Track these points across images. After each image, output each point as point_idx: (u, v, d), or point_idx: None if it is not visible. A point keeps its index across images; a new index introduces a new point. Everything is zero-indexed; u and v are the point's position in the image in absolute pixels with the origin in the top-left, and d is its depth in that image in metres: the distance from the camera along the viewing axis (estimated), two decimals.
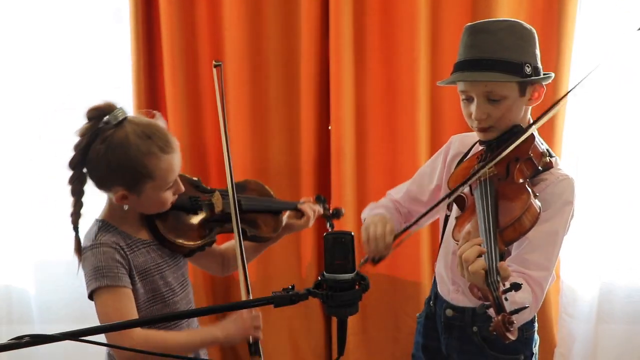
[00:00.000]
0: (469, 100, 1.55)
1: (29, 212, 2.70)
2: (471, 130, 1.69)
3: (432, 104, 2.53)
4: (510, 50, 1.49)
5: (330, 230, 1.91)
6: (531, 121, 1.61)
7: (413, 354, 1.87)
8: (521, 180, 1.45)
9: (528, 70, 1.49)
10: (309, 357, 2.73)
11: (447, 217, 1.73)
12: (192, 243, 1.58)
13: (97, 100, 1.47)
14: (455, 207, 1.64)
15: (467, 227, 1.42)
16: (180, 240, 1.56)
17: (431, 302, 1.78)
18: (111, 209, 1.54)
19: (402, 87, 2.50)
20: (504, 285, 1.21)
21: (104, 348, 1.57)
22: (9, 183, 2.69)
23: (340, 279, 1.05)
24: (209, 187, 1.70)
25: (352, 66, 2.50)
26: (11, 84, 2.63)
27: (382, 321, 2.68)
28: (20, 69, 2.63)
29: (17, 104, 2.65)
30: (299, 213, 1.79)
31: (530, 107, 1.58)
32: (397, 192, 1.88)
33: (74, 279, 2.72)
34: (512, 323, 1.15)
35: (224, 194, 1.66)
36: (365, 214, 1.83)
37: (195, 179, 1.70)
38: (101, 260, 1.44)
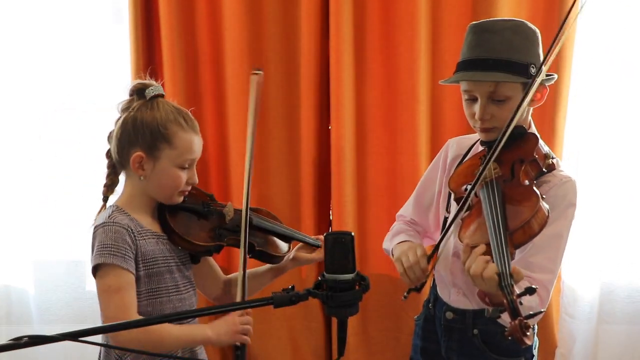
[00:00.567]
0: (472, 100, 1.54)
1: (29, 212, 2.70)
2: (470, 131, 1.68)
3: (432, 104, 2.53)
4: (516, 50, 1.48)
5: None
6: (532, 122, 1.60)
7: (411, 357, 1.85)
8: (527, 182, 1.44)
9: (533, 70, 1.49)
10: (309, 357, 2.73)
11: (445, 219, 1.73)
12: (199, 241, 1.59)
13: (141, 79, 1.58)
14: (454, 207, 1.64)
15: (473, 227, 1.41)
16: (188, 236, 1.57)
17: (430, 305, 1.77)
18: (127, 196, 1.57)
19: (402, 87, 2.50)
20: (518, 289, 1.20)
21: (104, 348, 1.57)
22: (9, 183, 2.69)
23: (341, 279, 1.05)
24: (222, 203, 1.71)
25: (352, 66, 2.49)
26: (11, 84, 2.63)
27: (382, 321, 2.68)
28: (20, 69, 2.62)
29: (17, 104, 2.64)
30: (309, 247, 1.77)
31: (531, 108, 1.58)
32: (405, 210, 1.86)
33: (73, 279, 2.73)
34: (528, 327, 1.14)
35: (236, 209, 1.67)
36: (387, 245, 1.79)
37: (209, 193, 1.72)
38: (111, 239, 1.46)
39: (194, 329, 1.59)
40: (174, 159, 1.52)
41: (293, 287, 1.07)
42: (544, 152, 1.51)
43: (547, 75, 1.53)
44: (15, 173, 2.68)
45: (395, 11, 2.46)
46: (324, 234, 1.09)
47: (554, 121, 2.44)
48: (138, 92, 1.55)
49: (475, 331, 1.63)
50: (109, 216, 1.51)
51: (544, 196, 1.41)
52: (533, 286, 1.20)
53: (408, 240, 1.70)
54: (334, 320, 1.31)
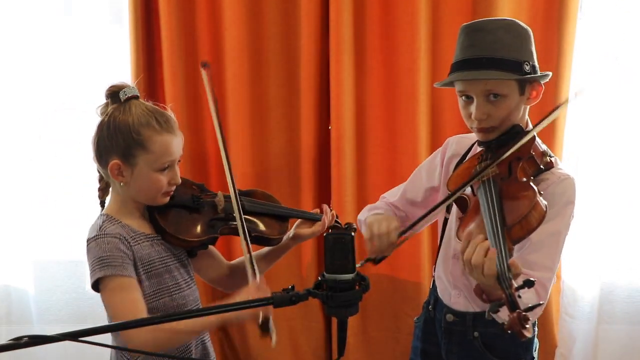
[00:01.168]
0: (468, 100, 1.54)
1: (29, 212, 2.70)
2: (469, 131, 1.68)
3: (432, 104, 2.52)
4: (509, 48, 1.48)
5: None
6: (529, 121, 1.60)
7: (411, 358, 1.85)
8: (524, 179, 1.44)
9: (527, 68, 1.49)
10: (309, 357, 2.73)
11: (446, 220, 1.72)
12: (192, 237, 1.58)
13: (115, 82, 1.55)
14: (454, 209, 1.63)
15: (471, 226, 1.41)
16: (181, 235, 1.57)
17: (430, 307, 1.77)
18: (115, 203, 1.56)
19: (402, 87, 2.50)
20: (516, 282, 1.20)
21: (104, 348, 1.57)
22: (9, 183, 2.69)
23: (341, 279, 1.05)
24: (212, 191, 1.70)
25: (352, 66, 2.49)
26: (11, 84, 2.63)
27: (382, 321, 2.68)
28: (21, 69, 2.62)
29: (17, 104, 2.64)
30: (308, 222, 1.77)
31: (528, 107, 1.58)
32: (392, 196, 1.87)
33: (73, 279, 2.73)
34: (527, 320, 1.14)
35: (227, 197, 1.66)
36: (363, 215, 1.80)
37: (199, 183, 1.71)
38: (105, 250, 1.45)
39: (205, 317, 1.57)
40: (151, 163, 1.49)
41: (293, 287, 1.07)
42: (541, 150, 1.51)
43: (542, 73, 1.53)
44: (15, 173, 2.68)
45: (395, 11, 2.46)
46: (324, 234, 1.09)
47: (554, 122, 2.44)
48: (112, 95, 1.53)
49: (476, 334, 1.63)
50: (99, 228, 1.49)
51: (541, 192, 1.41)
52: (531, 279, 1.20)
53: (385, 213, 1.71)
54: (334, 320, 1.31)
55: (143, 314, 1.44)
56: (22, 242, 2.71)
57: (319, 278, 1.07)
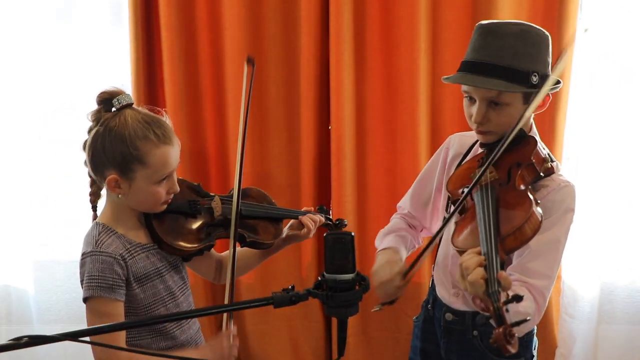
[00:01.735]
0: (471, 101, 1.53)
1: (29, 212, 2.70)
2: (464, 130, 1.67)
3: (432, 104, 2.53)
4: (518, 57, 1.44)
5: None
6: (534, 125, 1.59)
7: (411, 357, 1.85)
8: (522, 187, 1.42)
9: (535, 79, 1.45)
10: (309, 357, 2.73)
11: (445, 220, 1.72)
12: (189, 246, 1.57)
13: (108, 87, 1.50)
14: (452, 208, 1.63)
15: (466, 232, 1.40)
16: (178, 243, 1.55)
17: (429, 306, 1.77)
18: (110, 211, 1.53)
19: (402, 86, 2.50)
20: (505, 296, 1.19)
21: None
22: (9, 183, 2.69)
23: (341, 279, 1.05)
24: (209, 193, 1.69)
25: (352, 66, 2.49)
26: (11, 84, 2.63)
27: (382, 321, 2.68)
28: (21, 69, 2.63)
29: (17, 104, 2.64)
30: (301, 224, 1.76)
31: (533, 115, 1.56)
32: (404, 202, 1.86)
33: (73, 279, 2.72)
34: (513, 335, 1.12)
35: (224, 200, 1.65)
36: (377, 242, 1.79)
37: (195, 184, 1.68)
38: (98, 270, 1.44)
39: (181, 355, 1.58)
40: (149, 177, 1.46)
41: (293, 287, 1.07)
42: (542, 156, 1.49)
43: (551, 87, 1.50)
44: (15, 173, 2.68)
45: (395, 11, 2.46)
46: (324, 234, 1.09)
47: (554, 122, 2.44)
48: (104, 102, 1.47)
49: (475, 332, 1.63)
50: (96, 242, 1.47)
51: (538, 201, 1.39)
52: (520, 294, 1.18)
53: (392, 248, 1.69)
54: (334, 320, 1.31)
55: (119, 341, 1.44)
56: (22, 242, 2.71)
57: (319, 278, 1.07)
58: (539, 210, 1.36)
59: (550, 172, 1.49)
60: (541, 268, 1.45)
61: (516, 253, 1.47)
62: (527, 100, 1.47)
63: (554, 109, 2.43)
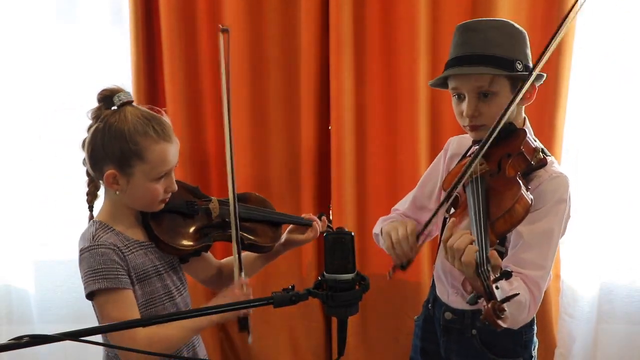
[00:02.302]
0: (460, 98, 1.55)
1: (29, 212, 2.70)
2: (464, 132, 1.68)
3: (432, 104, 2.53)
4: (501, 47, 1.48)
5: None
6: (526, 119, 1.61)
7: (411, 357, 1.86)
8: (512, 174, 1.44)
9: (519, 67, 1.49)
10: (309, 357, 2.73)
11: (445, 220, 1.73)
12: (186, 246, 1.57)
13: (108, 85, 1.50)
14: (451, 209, 1.64)
15: (462, 224, 1.41)
16: (175, 242, 1.55)
17: (429, 305, 1.78)
18: (108, 209, 1.54)
19: (402, 87, 2.50)
20: (494, 274, 1.21)
21: (104, 348, 1.57)
22: (9, 183, 2.69)
23: (341, 279, 1.06)
24: (207, 195, 1.69)
25: (352, 66, 2.50)
26: (11, 84, 2.63)
27: (382, 321, 2.68)
28: (21, 69, 2.63)
29: (17, 104, 2.64)
30: (301, 228, 1.77)
31: (523, 107, 1.58)
32: (402, 205, 1.87)
33: (73, 279, 2.72)
34: (503, 310, 1.15)
35: (222, 202, 1.65)
36: (378, 227, 1.79)
37: (193, 186, 1.69)
38: (100, 262, 1.43)
39: (195, 319, 1.55)
40: (148, 173, 1.46)
41: (293, 287, 1.07)
42: (533, 147, 1.50)
43: (535, 73, 1.53)
44: (15, 173, 2.69)
45: (395, 11, 2.46)
46: (324, 234, 1.09)
47: (554, 120, 2.44)
48: (105, 99, 1.48)
49: (474, 331, 1.63)
50: (93, 237, 1.47)
51: (529, 187, 1.41)
52: (508, 270, 1.21)
53: (399, 218, 1.71)
54: (334, 320, 1.32)
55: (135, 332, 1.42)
56: (23, 242, 2.72)
57: (319, 278, 1.07)
58: (529, 194, 1.38)
59: (542, 162, 1.50)
60: (535, 258, 1.45)
61: (510, 245, 1.48)
62: (515, 89, 1.50)
63: (553, 108, 2.43)
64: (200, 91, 2.59)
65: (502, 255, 1.48)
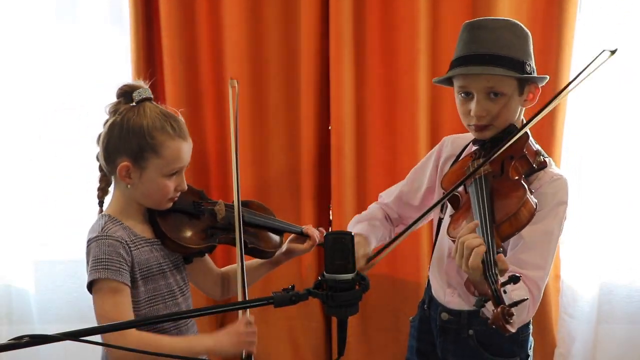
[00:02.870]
0: (467, 97, 1.54)
1: (29, 212, 2.70)
2: (464, 131, 1.68)
3: (432, 104, 2.53)
4: (511, 47, 1.48)
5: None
6: (524, 121, 1.61)
7: (407, 357, 1.85)
8: (516, 177, 1.45)
9: (528, 68, 1.50)
10: (309, 357, 2.73)
11: (440, 220, 1.73)
12: (192, 244, 1.58)
13: (128, 80, 1.56)
14: (449, 208, 1.64)
15: (462, 223, 1.42)
16: (181, 240, 1.57)
17: (425, 306, 1.77)
18: (118, 204, 1.56)
19: (402, 87, 2.50)
20: (502, 278, 1.22)
21: (103, 348, 1.57)
22: (9, 183, 2.69)
23: (341, 279, 1.05)
24: (212, 199, 1.71)
25: (352, 66, 2.50)
26: (11, 84, 2.63)
27: (382, 321, 2.68)
28: (21, 69, 2.62)
29: (17, 104, 2.64)
30: (301, 238, 1.78)
31: (523, 109, 1.58)
32: (388, 196, 1.87)
33: (73, 279, 2.73)
34: (511, 315, 1.15)
35: (227, 206, 1.67)
36: (349, 228, 1.80)
37: (199, 189, 1.71)
38: (105, 253, 1.45)
39: (191, 341, 1.58)
40: (161, 168, 1.49)
41: (293, 287, 1.07)
42: (534, 149, 1.51)
43: (542, 76, 1.54)
44: (15, 173, 2.68)
45: (395, 11, 2.46)
46: (324, 234, 1.09)
47: (554, 122, 2.44)
48: (125, 95, 1.51)
49: (471, 332, 1.63)
50: (102, 229, 1.49)
51: (532, 190, 1.41)
52: (517, 274, 1.21)
53: (362, 234, 1.69)
54: (334, 320, 1.32)
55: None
56: (23, 242, 2.71)
57: (319, 278, 1.07)
58: (533, 198, 1.39)
59: (543, 165, 1.51)
60: (535, 259, 1.46)
61: (510, 246, 1.49)
62: (522, 90, 1.52)
63: (553, 109, 2.42)
64: (200, 91, 2.59)
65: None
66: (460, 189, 1.51)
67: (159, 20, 2.52)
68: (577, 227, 2.55)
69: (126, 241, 1.49)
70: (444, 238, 1.69)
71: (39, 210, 2.71)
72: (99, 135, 1.54)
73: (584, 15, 2.45)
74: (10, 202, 2.69)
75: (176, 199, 1.57)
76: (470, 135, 1.68)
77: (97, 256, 1.45)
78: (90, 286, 1.47)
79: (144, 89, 1.52)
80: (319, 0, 2.47)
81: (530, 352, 1.68)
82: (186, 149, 1.53)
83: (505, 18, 1.61)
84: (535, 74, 1.53)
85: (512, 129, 1.52)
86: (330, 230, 1.91)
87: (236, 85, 1.62)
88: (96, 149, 1.56)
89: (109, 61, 2.63)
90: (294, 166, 2.61)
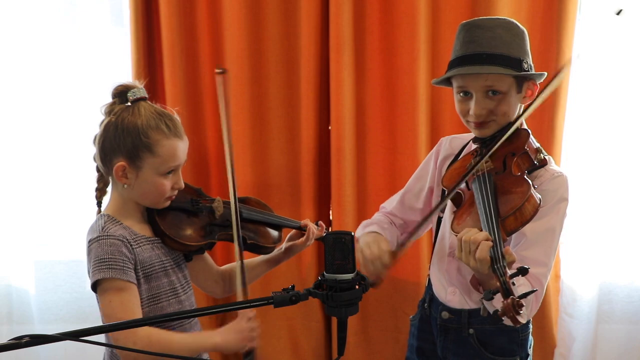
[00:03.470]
0: (466, 96, 1.55)
1: (29, 212, 2.70)
2: (466, 130, 1.69)
3: (432, 104, 2.53)
4: (508, 46, 1.50)
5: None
6: (524, 122, 1.61)
7: (407, 357, 1.86)
8: (519, 173, 1.46)
9: (526, 66, 1.51)
10: (309, 357, 2.73)
11: (439, 219, 1.73)
12: (192, 241, 1.59)
13: (123, 81, 1.55)
14: (448, 206, 1.65)
15: (467, 219, 1.42)
16: (180, 238, 1.58)
17: (426, 305, 1.78)
18: (116, 204, 1.56)
19: (402, 87, 2.50)
20: (510, 270, 1.22)
21: (104, 348, 1.57)
22: (9, 183, 2.69)
23: (341, 279, 1.06)
24: (210, 197, 1.71)
25: (352, 66, 2.50)
26: (11, 84, 2.63)
27: (382, 321, 2.68)
28: (21, 70, 2.63)
29: (17, 104, 2.64)
30: (301, 233, 1.78)
31: (522, 105, 1.59)
32: (390, 204, 1.87)
33: (74, 279, 2.73)
34: (521, 306, 1.16)
35: (226, 202, 1.68)
36: (359, 233, 1.79)
37: (197, 187, 1.72)
38: (107, 252, 1.45)
39: (199, 337, 1.58)
40: (157, 167, 1.50)
41: (293, 287, 1.07)
42: (535, 147, 1.53)
43: (539, 72, 1.55)
44: (15, 173, 2.69)
45: (395, 11, 2.46)
46: (324, 234, 1.09)
47: (553, 120, 2.44)
48: (120, 95, 1.52)
49: (471, 331, 1.64)
50: (102, 229, 1.49)
51: (535, 186, 1.42)
52: (525, 266, 1.21)
53: (377, 232, 1.70)
54: (334, 320, 1.32)
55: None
56: (23, 242, 2.71)
57: (319, 278, 1.07)
58: (537, 193, 1.40)
59: (543, 163, 1.52)
60: (537, 256, 1.47)
61: (512, 243, 1.49)
62: (520, 88, 1.53)
63: (553, 108, 2.44)
64: (200, 91, 2.59)
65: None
66: (463, 186, 1.52)
67: (159, 20, 2.52)
68: (577, 227, 2.55)
69: (127, 239, 1.49)
70: (444, 237, 1.69)
71: (39, 210, 2.71)
72: (95, 136, 1.54)
73: (584, 15, 2.45)
74: (10, 202, 2.69)
75: (174, 197, 1.57)
76: (468, 136, 1.69)
77: (99, 256, 1.45)
78: (95, 287, 1.46)
79: (139, 89, 1.53)
80: (319, 1, 2.47)
81: (530, 351, 1.69)
82: (182, 147, 1.53)
83: (500, 17, 1.62)
84: (532, 71, 1.53)
85: (512, 127, 1.53)
86: (330, 229, 1.90)
87: (222, 71, 1.58)
88: (93, 149, 1.56)
89: (109, 61, 2.64)
90: (294, 166, 2.61)
